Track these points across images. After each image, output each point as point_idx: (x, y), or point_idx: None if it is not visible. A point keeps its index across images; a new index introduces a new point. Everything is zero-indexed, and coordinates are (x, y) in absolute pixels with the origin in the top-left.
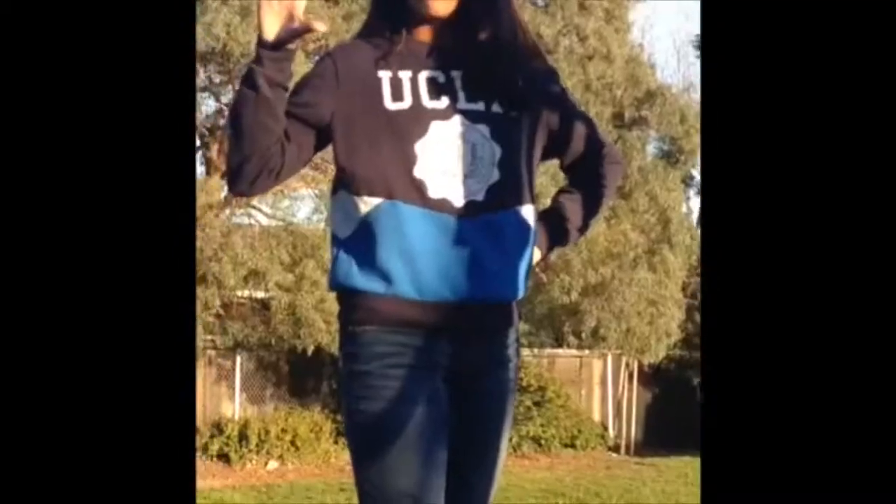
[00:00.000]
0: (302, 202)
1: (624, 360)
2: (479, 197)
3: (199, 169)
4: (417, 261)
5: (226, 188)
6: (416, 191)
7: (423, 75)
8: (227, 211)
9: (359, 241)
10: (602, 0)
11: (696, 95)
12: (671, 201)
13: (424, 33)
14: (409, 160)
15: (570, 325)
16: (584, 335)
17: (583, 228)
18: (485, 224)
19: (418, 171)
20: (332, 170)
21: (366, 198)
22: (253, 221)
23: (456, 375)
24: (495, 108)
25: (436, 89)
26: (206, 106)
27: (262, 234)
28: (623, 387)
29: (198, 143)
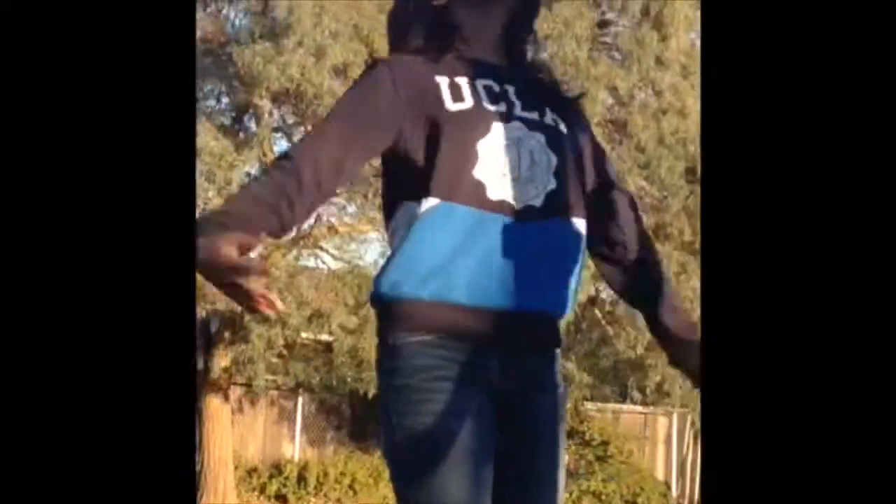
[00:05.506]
0: (369, 245)
1: (689, 417)
2: (538, 202)
3: None
4: (470, 262)
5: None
6: (475, 192)
7: (480, 82)
8: (294, 252)
9: (412, 245)
10: (679, 55)
11: None
12: None
13: (467, 49)
14: (471, 160)
15: (634, 379)
16: (648, 390)
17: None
18: (541, 230)
19: (478, 172)
20: None
21: (423, 200)
22: (320, 263)
23: (501, 394)
24: (548, 119)
25: (493, 95)
26: (278, 146)
27: (328, 276)
28: (688, 445)
29: None
